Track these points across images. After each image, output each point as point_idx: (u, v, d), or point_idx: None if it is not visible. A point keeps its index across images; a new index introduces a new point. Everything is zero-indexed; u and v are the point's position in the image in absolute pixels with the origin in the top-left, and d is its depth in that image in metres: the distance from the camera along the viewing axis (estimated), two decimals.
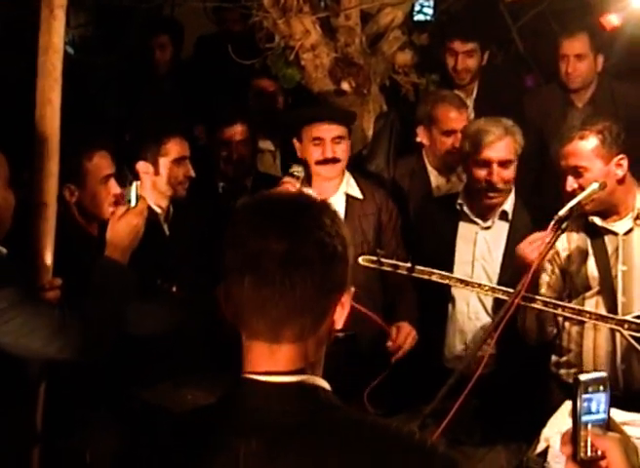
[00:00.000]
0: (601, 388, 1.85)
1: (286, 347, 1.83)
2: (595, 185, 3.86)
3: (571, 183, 3.94)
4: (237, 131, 5.16)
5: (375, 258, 4.01)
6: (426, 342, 4.48)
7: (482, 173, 4.43)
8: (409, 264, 3.99)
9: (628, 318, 3.86)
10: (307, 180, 4.52)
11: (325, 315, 1.85)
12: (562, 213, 3.78)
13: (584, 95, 5.71)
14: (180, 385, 4.12)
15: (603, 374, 1.81)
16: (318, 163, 4.50)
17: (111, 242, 3.52)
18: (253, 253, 1.78)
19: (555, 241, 3.86)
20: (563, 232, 3.84)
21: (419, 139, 5.20)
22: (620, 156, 3.93)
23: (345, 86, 5.27)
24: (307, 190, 4.44)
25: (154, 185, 4.50)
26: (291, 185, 4.27)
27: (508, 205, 4.54)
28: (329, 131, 4.50)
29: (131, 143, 4.67)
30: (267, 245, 1.78)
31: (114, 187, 3.91)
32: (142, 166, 4.46)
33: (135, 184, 3.63)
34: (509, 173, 4.44)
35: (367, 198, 4.61)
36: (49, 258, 3.45)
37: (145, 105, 6.37)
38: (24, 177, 3.44)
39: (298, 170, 4.37)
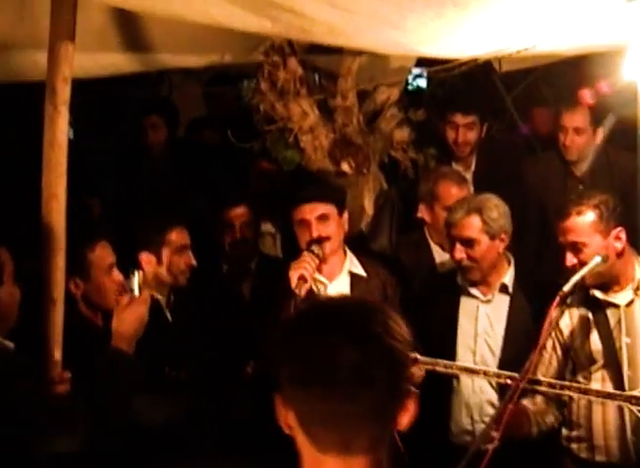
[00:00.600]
0: None
1: (360, 459, 1.78)
2: (598, 259, 3.88)
3: (570, 259, 3.95)
4: (241, 213, 5.19)
5: None
6: (432, 417, 4.47)
7: (452, 250, 4.49)
8: (414, 355, 3.93)
9: (635, 393, 3.84)
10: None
11: (394, 421, 1.81)
12: (566, 288, 3.79)
13: (582, 164, 5.76)
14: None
15: None
16: (309, 245, 4.47)
17: (117, 332, 3.54)
18: (322, 365, 1.74)
19: (560, 316, 3.91)
20: (568, 307, 3.90)
21: (420, 216, 5.22)
22: (619, 229, 3.95)
23: (346, 167, 5.29)
24: (317, 275, 4.48)
25: (156, 275, 4.53)
26: (310, 260, 4.30)
27: (508, 278, 4.53)
28: (311, 211, 4.47)
29: (132, 234, 4.68)
30: (338, 356, 1.73)
31: (117, 275, 3.93)
32: (145, 257, 4.48)
33: (137, 274, 3.65)
34: (474, 251, 4.42)
35: (371, 276, 4.61)
36: (58, 353, 3.47)
37: (142, 187, 6.39)
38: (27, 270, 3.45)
39: (316, 247, 4.38)
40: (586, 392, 3.93)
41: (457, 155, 5.91)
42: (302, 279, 4.24)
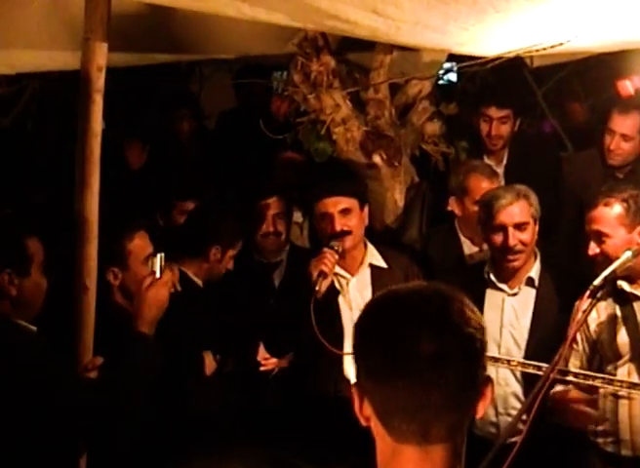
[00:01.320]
0: None
1: (438, 447, 1.78)
2: (629, 253, 3.87)
3: (593, 248, 3.97)
4: (272, 204, 5.19)
5: None
6: None
7: (498, 238, 4.45)
8: None
9: None
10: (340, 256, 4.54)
11: (472, 409, 1.82)
12: (597, 282, 3.79)
13: (625, 169, 5.69)
14: (223, 460, 4.12)
15: None
16: (329, 238, 4.51)
17: (139, 314, 3.54)
18: (401, 357, 1.74)
19: (591, 310, 3.89)
20: (598, 301, 3.87)
21: (450, 209, 5.21)
22: None
23: (377, 159, 5.30)
24: (338, 269, 4.50)
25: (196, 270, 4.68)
26: (330, 257, 4.33)
27: (534, 271, 4.53)
28: (334, 204, 4.51)
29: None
30: (417, 347, 1.74)
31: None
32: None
33: (159, 256, 3.66)
34: (526, 235, 4.43)
35: (392, 267, 4.63)
36: (90, 339, 3.54)
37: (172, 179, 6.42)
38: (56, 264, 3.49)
39: (336, 243, 4.41)
40: (611, 382, 3.94)
41: (489, 149, 5.87)
42: (322, 275, 4.29)
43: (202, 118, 7.09)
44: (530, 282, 4.53)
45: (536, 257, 4.56)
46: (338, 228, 4.47)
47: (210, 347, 4.47)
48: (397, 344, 1.75)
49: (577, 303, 4.11)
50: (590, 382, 3.95)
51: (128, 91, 7.90)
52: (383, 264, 4.63)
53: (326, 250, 4.40)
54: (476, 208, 5.02)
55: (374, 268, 4.61)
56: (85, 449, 3.53)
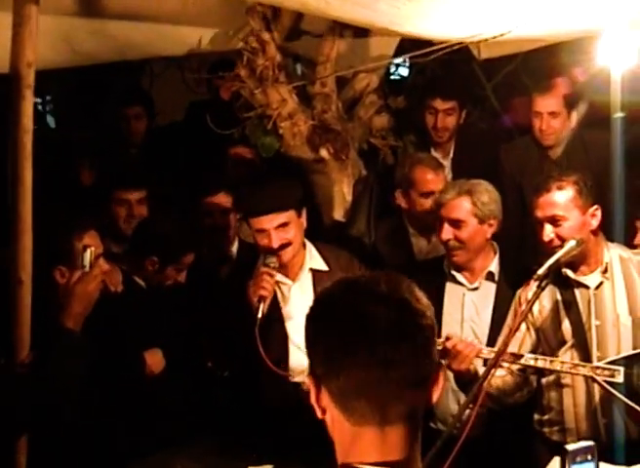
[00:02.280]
0: (589, 457, 1.82)
1: (398, 428, 1.77)
2: (573, 242, 3.91)
3: (548, 233, 3.98)
4: (221, 200, 5.14)
5: None
6: None
7: (439, 231, 4.49)
8: None
9: (600, 364, 3.89)
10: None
11: (428, 392, 1.81)
12: (541, 271, 3.81)
13: (558, 148, 5.73)
14: (170, 455, 4.09)
15: (591, 444, 1.78)
16: (269, 253, 4.37)
17: (66, 309, 3.52)
18: (361, 333, 1.74)
19: (535, 299, 3.88)
20: (543, 290, 3.86)
21: (397, 202, 5.22)
22: (595, 207, 4.00)
23: (324, 153, 5.29)
24: (279, 276, 4.45)
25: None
26: (269, 277, 4.25)
27: (494, 266, 4.55)
28: (270, 221, 4.33)
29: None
30: (375, 323, 1.74)
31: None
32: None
33: (89, 250, 3.65)
34: (463, 233, 4.43)
35: (332, 268, 4.51)
36: (26, 333, 3.50)
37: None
38: None
39: (272, 261, 4.30)
40: (552, 362, 3.95)
41: (435, 141, 5.91)
42: (262, 299, 4.22)
43: (154, 115, 7.03)
44: (490, 276, 4.55)
45: (495, 252, 4.58)
46: (275, 245, 4.32)
47: (157, 345, 4.43)
48: (353, 322, 1.75)
49: (519, 292, 4.15)
50: (533, 364, 3.96)
51: (80, 87, 7.89)
52: (324, 267, 4.52)
53: (263, 270, 4.28)
54: (422, 199, 5.08)
55: (315, 272, 4.50)
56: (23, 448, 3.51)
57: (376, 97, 5.63)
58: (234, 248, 5.29)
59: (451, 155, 5.96)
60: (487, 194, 4.49)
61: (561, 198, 3.98)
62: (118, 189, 5.15)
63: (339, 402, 1.77)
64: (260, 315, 4.17)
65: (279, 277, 4.43)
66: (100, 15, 4.72)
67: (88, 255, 3.62)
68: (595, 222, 4.01)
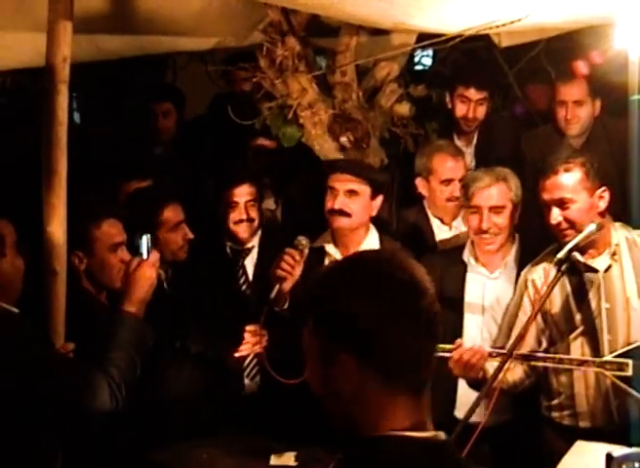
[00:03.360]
0: (636, 465, 1.80)
1: (425, 394, 1.85)
2: (593, 226, 3.91)
3: (556, 216, 3.98)
4: (246, 191, 5.14)
5: None
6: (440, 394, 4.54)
7: (474, 220, 4.49)
8: None
9: (608, 358, 3.87)
10: (333, 239, 4.66)
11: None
12: (560, 255, 3.84)
13: (581, 137, 5.74)
14: (196, 445, 4.16)
15: (637, 450, 1.73)
16: (328, 213, 4.59)
17: (126, 295, 3.58)
18: (404, 308, 1.80)
19: (555, 284, 3.89)
20: (563, 275, 3.87)
21: (419, 190, 5.27)
22: (603, 188, 4.00)
23: (344, 141, 5.32)
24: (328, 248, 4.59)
25: None
26: (290, 258, 4.34)
27: (513, 254, 4.58)
28: (342, 182, 4.58)
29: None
30: (420, 302, 1.81)
31: (124, 255, 3.92)
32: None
33: (145, 237, 3.71)
34: (501, 219, 4.47)
35: None
36: (61, 324, 3.58)
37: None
38: (27, 246, 3.52)
39: (302, 242, 4.42)
40: (561, 361, 3.97)
41: (462, 130, 5.92)
42: (279, 280, 4.32)
43: (184, 111, 7.05)
44: (509, 265, 4.57)
45: (514, 240, 4.60)
46: (337, 206, 4.56)
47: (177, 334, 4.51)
48: (393, 298, 1.80)
49: (523, 273, 4.19)
50: (541, 363, 4.01)
51: (104, 82, 7.95)
52: None
53: (287, 250, 4.40)
54: (443, 187, 5.12)
55: None
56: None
57: (396, 86, 5.61)
58: (257, 238, 5.32)
59: (474, 143, 5.98)
60: (515, 179, 4.54)
61: (569, 180, 3.97)
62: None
63: (382, 370, 1.79)
64: (272, 295, 4.26)
65: (332, 250, 4.62)
66: (126, 17, 4.81)
67: (145, 242, 3.70)
68: (603, 204, 4.00)
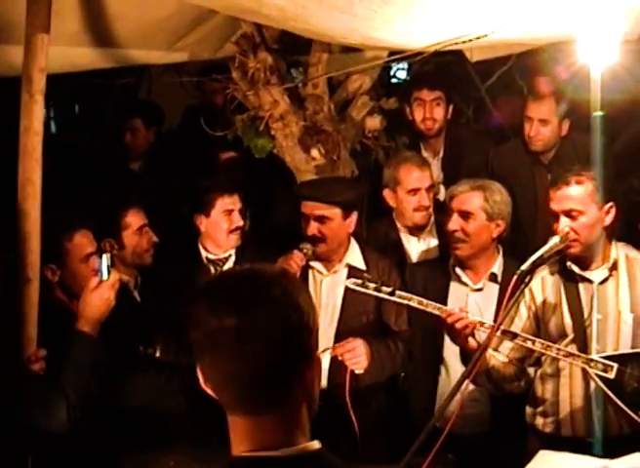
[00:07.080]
0: None
1: (267, 417, 1.86)
2: (556, 239, 3.94)
3: (563, 227, 3.98)
4: (235, 201, 5.09)
5: (360, 282, 4.10)
6: (419, 402, 4.69)
7: (447, 222, 4.61)
8: (390, 288, 4.07)
9: (594, 357, 3.94)
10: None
11: (294, 382, 1.88)
12: (524, 267, 3.81)
13: (550, 152, 5.79)
14: (163, 453, 4.17)
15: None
16: (305, 239, 4.64)
17: (82, 314, 3.64)
18: (209, 330, 1.84)
19: (519, 295, 3.87)
20: (526, 286, 3.86)
21: (386, 201, 5.34)
22: (610, 204, 4.03)
23: (315, 153, 5.38)
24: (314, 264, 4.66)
25: (121, 259, 4.69)
26: (297, 259, 4.47)
27: (497, 267, 4.65)
28: (311, 209, 4.64)
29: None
30: (220, 322, 1.82)
31: (96, 264, 3.93)
32: (108, 244, 4.56)
33: (105, 257, 3.73)
34: (470, 226, 4.56)
35: (370, 268, 4.69)
36: (33, 331, 3.62)
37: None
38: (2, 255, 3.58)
39: (307, 247, 4.56)
40: (549, 348, 3.99)
41: (425, 135, 6.02)
42: None
43: (160, 125, 7.02)
44: (493, 277, 4.64)
45: (499, 253, 4.68)
46: (309, 233, 4.62)
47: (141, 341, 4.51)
48: (204, 319, 1.85)
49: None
50: (530, 345, 4.00)
51: (81, 91, 7.95)
52: (361, 265, 4.72)
53: (295, 252, 4.53)
54: (410, 197, 5.19)
55: (351, 268, 4.71)
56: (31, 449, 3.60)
57: (368, 99, 5.68)
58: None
59: (440, 154, 6.06)
60: (499, 194, 4.61)
61: (580, 192, 3.98)
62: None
63: (213, 390, 1.91)
64: None
65: (317, 265, 4.68)
66: (100, 31, 4.86)
67: (104, 263, 3.71)
68: (609, 219, 4.03)
